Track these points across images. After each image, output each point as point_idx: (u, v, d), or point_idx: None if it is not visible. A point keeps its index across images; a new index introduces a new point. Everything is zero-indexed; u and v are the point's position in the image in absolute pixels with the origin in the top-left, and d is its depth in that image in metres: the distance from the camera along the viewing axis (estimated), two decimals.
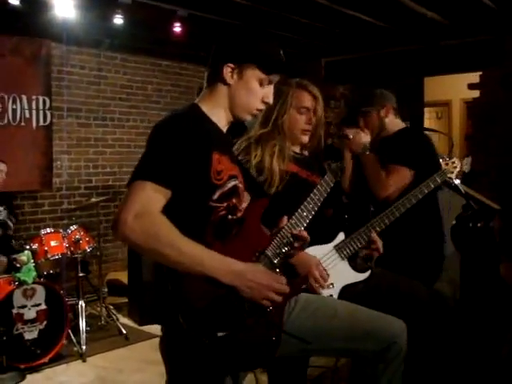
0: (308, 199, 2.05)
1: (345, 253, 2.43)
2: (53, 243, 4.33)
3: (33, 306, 3.89)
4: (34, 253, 4.16)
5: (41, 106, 5.51)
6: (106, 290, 5.53)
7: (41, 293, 3.94)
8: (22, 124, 5.40)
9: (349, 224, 2.55)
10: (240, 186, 1.87)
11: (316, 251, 2.33)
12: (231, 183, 1.80)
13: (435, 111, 8.68)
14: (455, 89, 7.64)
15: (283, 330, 1.80)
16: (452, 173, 2.69)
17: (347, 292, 2.37)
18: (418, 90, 6.87)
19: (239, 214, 1.84)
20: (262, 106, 1.88)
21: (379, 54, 6.17)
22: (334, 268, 2.38)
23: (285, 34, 5.71)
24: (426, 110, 7.78)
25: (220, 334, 1.62)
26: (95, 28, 5.33)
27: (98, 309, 4.92)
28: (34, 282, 3.91)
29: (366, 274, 2.45)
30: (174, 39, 5.46)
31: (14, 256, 4.04)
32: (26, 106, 5.42)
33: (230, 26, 5.12)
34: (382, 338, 1.97)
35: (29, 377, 3.81)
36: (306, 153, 2.58)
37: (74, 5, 4.71)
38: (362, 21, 5.31)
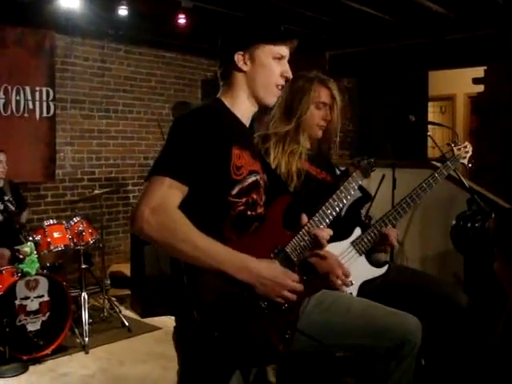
0: (334, 196, 2.02)
1: (362, 248, 2.42)
2: (56, 235, 4.33)
3: (36, 297, 3.89)
4: (36, 244, 4.15)
5: (44, 98, 5.52)
6: (108, 281, 5.53)
7: (44, 284, 3.94)
8: (26, 115, 5.41)
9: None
10: (261, 181, 1.87)
11: (334, 248, 2.28)
12: (251, 178, 1.81)
13: (439, 105, 8.65)
14: (459, 83, 7.60)
15: (297, 329, 1.79)
16: (465, 158, 2.65)
17: (365, 289, 2.36)
18: (423, 84, 6.84)
19: (259, 210, 1.84)
20: (282, 82, 1.89)
21: (384, 48, 6.13)
22: (352, 264, 2.37)
23: (290, 27, 5.69)
24: (430, 104, 7.74)
25: (232, 330, 1.62)
26: (99, 19, 5.30)
27: (101, 301, 4.92)
28: (36, 274, 3.92)
29: (384, 269, 2.45)
30: (179, 31, 5.44)
31: (17, 247, 4.05)
32: (29, 97, 5.42)
33: (234, 18, 5.09)
34: (396, 334, 1.96)
35: (31, 368, 3.82)
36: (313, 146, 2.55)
37: None
38: (366, 14, 5.29)
